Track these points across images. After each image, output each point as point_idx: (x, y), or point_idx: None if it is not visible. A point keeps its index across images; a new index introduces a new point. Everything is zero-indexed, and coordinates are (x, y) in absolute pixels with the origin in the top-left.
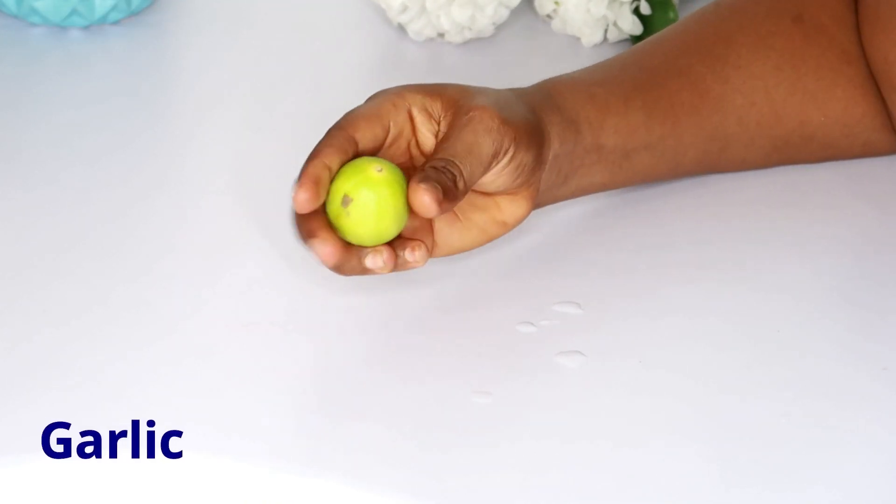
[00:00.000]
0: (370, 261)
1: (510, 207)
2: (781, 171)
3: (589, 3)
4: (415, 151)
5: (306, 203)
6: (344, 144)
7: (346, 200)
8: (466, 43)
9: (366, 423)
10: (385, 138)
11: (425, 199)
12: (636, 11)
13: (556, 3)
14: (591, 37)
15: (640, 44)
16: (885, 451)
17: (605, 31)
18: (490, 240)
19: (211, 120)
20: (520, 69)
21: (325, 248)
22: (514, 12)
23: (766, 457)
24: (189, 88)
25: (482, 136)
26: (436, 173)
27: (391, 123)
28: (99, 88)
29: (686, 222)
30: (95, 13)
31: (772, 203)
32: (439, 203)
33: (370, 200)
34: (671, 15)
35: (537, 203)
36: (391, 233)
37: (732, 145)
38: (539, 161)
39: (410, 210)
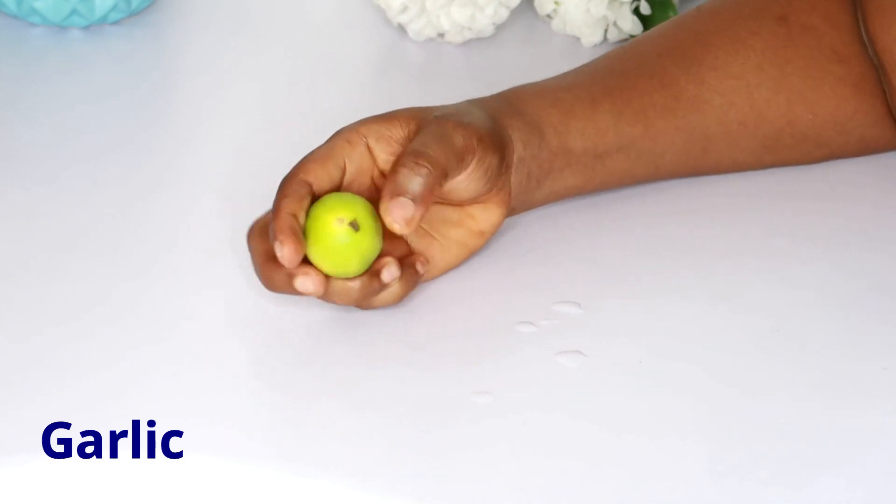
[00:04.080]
0: (300, 283)
1: (483, 215)
2: (780, 171)
3: (589, 3)
4: (380, 182)
5: (294, 254)
6: (299, 191)
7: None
8: (466, 43)
9: (366, 423)
10: (342, 176)
11: (397, 224)
12: (636, 11)
13: (556, 3)
14: (591, 37)
15: (615, 49)
16: (885, 451)
17: (605, 31)
18: (472, 252)
19: (211, 120)
20: (520, 69)
21: (284, 249)
22: (514, 12)
23: (766, 456)
24: (189, 88)
25: (450, 131)
26: (406, 173)
27: (346, 161)
28: (99, 88)
29: (686, 222)
30: (95, 13)
31: (771, 203)
32: (408, 221)
33: (338, 240)
34: (671, 14)
35: (512, 209)
36: (356, 270)
37: (716, 146)
38: (504, 164)
39: (390, 234)
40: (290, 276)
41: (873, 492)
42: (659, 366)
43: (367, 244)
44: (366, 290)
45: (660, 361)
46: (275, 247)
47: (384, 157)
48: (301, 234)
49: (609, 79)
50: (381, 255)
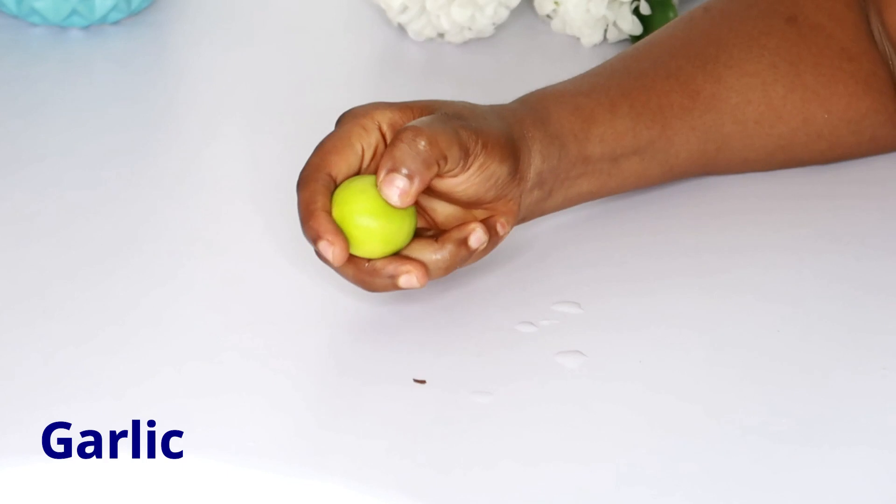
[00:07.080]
0: (404, 280)
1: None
2: (779, 172)
3: (589, 3)
4: None
5: (343, 253)
6: (327, 184)
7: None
8: (466, 43)
9: (366, 423)
10: (360, 163)
11: (393, 198)
12: (636, 11)
13: (556, 3)
14: (590, 37)
15: (629, 49)
16: (884, 452)
17: (605, 31)
18: (478, 258)
19: (211, 120)
20: (520, 69)
21: (334, 248)
22: (514, 12)
23: (766, 457)
24: (189, 88)
25: (456, 127)
26: (404, 147)
27: (363, 146)
28: (99, 88)
29: (686, 222)
30: (95, 13)
31: (771, 203)
32: (402, 195)
33: (375, 225)
34: (671, 15)
35: (522, 217)
36: (397, 247)
37: (731, 144)
38: (515, 175)
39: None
40: (393, 278)
41: (874, 492)
42: (659, 366)
43: (390, 227)
44: (455, 259)
45: (660, 361)
46: (320, 246)
47: None
48: (340, 233)
49: (626, 81)
50: (463, 223)
